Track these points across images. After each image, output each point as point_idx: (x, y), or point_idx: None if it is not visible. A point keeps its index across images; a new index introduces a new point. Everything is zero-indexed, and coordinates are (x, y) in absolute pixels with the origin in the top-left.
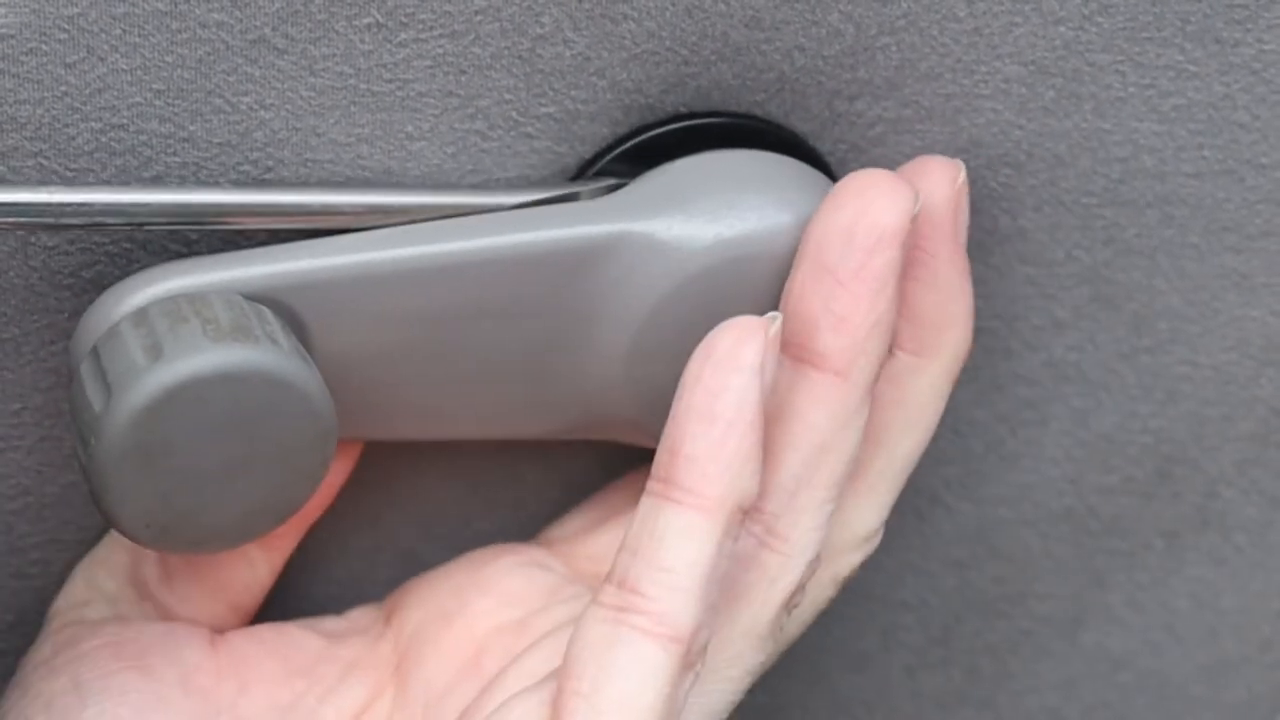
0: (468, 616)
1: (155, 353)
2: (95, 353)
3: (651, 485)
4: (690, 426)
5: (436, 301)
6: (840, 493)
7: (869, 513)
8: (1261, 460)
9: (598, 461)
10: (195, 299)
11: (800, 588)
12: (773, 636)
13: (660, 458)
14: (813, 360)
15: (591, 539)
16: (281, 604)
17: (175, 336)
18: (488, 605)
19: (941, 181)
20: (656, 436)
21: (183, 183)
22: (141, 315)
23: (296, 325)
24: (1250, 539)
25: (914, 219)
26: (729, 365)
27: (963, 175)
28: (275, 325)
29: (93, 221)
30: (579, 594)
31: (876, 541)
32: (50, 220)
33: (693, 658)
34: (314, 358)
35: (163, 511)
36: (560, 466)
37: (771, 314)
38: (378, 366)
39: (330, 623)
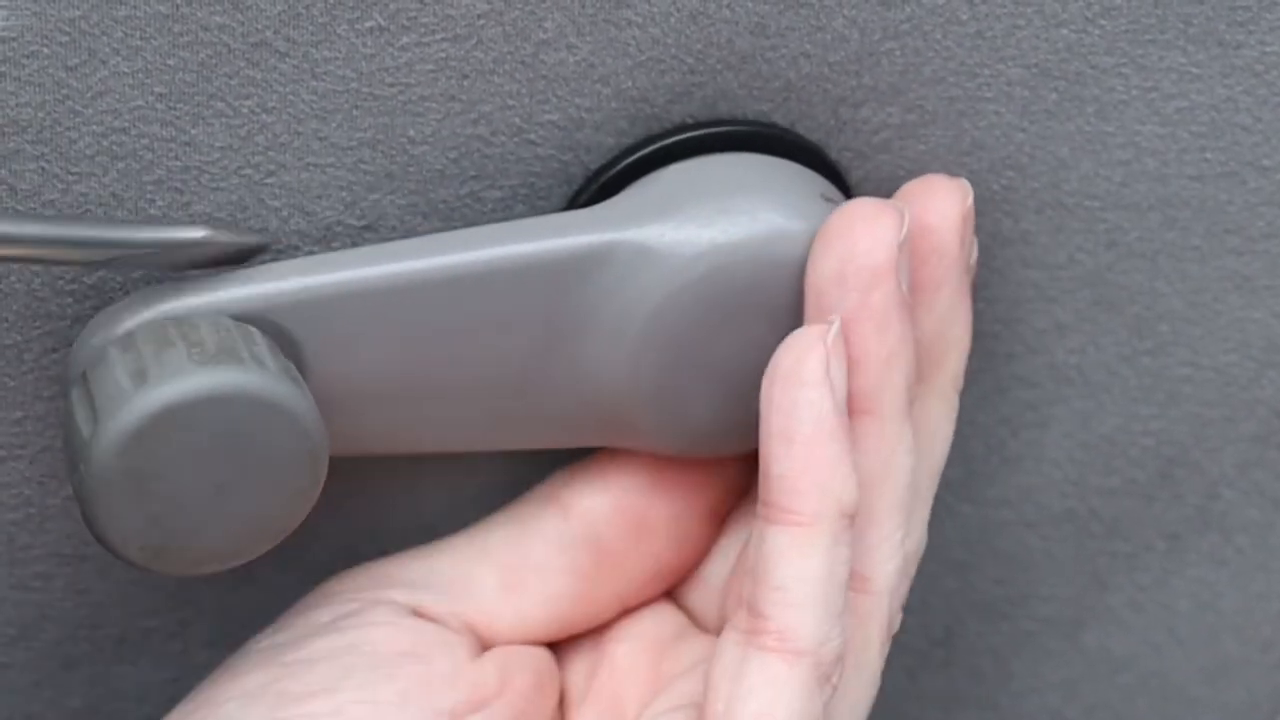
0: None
1: (140, 378)
2: (84, 378)
3: (759, 508)
4: (773, 448)
5: (430, 316)
6: (907, 516)
7: (913, 532)
8: (1263, 462)
9: None
10: (182, 322)
11: (894, 617)
12: (880, 672)
13: (760, 481)
14: None
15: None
16: (279, 612)
17: (160, 361)
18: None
19: (950, 208)
20: (655, 442)
21: (183, 187)
22: (129, 340)
23: (290, 345)
24: (1251, 540)
25: (902, 245)
26: (795, 382)
27: (970, 198)
28: (263, 346)
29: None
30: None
31: (920, 554)
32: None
33: (825, 669)
34: (309, 376)
35: (154, 534)
36: (559, 466)
37: (829, 319)
38: (374, 382)
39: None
